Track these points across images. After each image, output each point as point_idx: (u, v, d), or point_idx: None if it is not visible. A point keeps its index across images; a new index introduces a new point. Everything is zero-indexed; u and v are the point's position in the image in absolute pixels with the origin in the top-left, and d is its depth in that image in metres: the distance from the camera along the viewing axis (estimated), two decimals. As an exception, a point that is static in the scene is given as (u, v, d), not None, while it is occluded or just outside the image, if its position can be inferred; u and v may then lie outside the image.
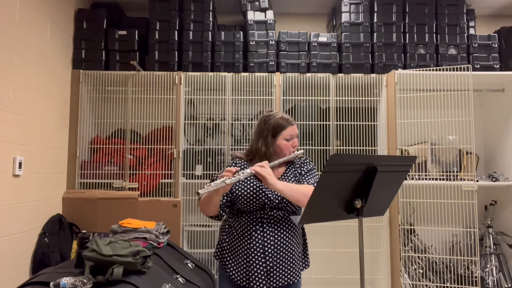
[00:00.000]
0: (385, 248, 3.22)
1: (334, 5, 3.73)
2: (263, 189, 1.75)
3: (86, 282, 1.73)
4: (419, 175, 3.29)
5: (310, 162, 1.91)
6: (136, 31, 3.35)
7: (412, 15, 3.42)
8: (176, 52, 3.33)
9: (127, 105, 3.39)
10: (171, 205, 3.07)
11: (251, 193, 1.75)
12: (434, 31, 3.40)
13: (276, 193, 1.76)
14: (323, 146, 3.32)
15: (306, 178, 1.82)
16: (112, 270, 1.80)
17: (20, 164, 2.51)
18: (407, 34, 3.40)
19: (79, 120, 3.22)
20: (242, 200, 1.75)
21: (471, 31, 3.57)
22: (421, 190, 3.32)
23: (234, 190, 1.78)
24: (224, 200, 1.79)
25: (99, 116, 3.38)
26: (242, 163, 1.88)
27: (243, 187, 1.77)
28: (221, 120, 3.50)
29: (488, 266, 3.35)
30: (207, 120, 3.60)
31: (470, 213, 3.14)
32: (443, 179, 3.25)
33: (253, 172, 1.65)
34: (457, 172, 3.31)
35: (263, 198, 1.74)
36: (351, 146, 3.33)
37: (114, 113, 3.38)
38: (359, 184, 1.57)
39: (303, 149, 3.31)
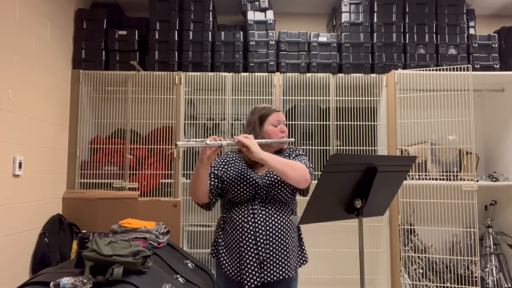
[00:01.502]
0: (385, 248, 3.22)
1: (334, 5, 3.73)
2: (253, 177, 1.77)
3: (86, 282, 1.73)
4: (419, 175, 3.29)
5: (299, 150, 1.92)
6: (136, 31, 3.35)
7: (412, 15, 3.42)
8: (176, 52, 3.33)
9: (127, 105, 3.39)
10: (171, 205, 3.07)
11: (241, 180, 1.76)
12: (434, 31, 3.40)
13: (266, 180, 1.77)
14: (323, 146, 3.32)
15: (296, 160, 1.83)
16: (112, 270, 1.80)
17: (20, 164, 2.52)
18: (407, 34, 3.40)
19: (79, 120, 3.22)
20: (233, 188, 1.76)
21: (471, 31, 3.58)
22: (421, 190, 3.32)
23: (225, 178, 1.79)
24: (213, 184, 1.78)
25: (99, 116, 3.38)
26: (234, 155, 1.91)
27: (233, 175, 1.79)
28: (221, 120, 3.49)
29: (488, 266, 3.35)
30: (207, 120, 3.60)
31: (470, 213, 3.14)
32: (443, 179, 3.24)
33: (236, 140, 1.67)
34: (457, 172, 3.31)
35: (253, 185, 1.75)
36: (351, 146, 3.33)
37: (114, 113, 3.38)
38: (359, 184, 1.58)
39: (303, 149, 3.31)
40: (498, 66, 3.38)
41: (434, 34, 3.40)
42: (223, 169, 1.82)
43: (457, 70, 3.16)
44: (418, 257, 3.33)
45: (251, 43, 3.34)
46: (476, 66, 3.35)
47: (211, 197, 1.79)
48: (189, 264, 2.58)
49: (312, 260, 3.46)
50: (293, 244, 1.79)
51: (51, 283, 1.72)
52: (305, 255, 1.87)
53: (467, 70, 3.12)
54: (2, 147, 2.37)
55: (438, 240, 3.56)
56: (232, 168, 1.82)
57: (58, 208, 3.02)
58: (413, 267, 3.29)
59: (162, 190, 3.26)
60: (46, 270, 2.00)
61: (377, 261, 3.37)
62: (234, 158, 1.88)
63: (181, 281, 2.28)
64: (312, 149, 3.33)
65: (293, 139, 1.92)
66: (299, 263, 1.82)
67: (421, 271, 3.28)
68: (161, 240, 2.56)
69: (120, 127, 3.42)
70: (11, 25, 2.46)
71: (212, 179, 1.79)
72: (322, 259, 3.42)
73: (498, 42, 3.44)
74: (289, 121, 3.34)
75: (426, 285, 3.22)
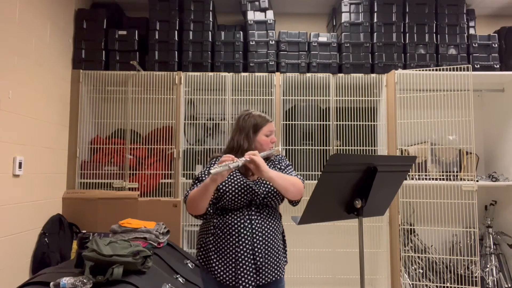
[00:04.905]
0: (385, 248, 3.22)
1: (334, 5, 3.73)
2: (250, 184, 1.78)
3: (86, 282, 1.73)
4: (419, 175, 3.29)
5: (286, 159, 1.97)
6: (136, 31, 3.36)
7: (412, 15, 3.42)
8: (176, 52, 3.33)
9: (127, 105, 3.39)
10: (171, 205, 3.07)
11: (239, 189, 1.76)
12: (434, 31, 3.40)
13: (262, 187, 1.78)
14: (323, 146, 3.32)
15: (287, 172, 1.86)
16: (112, 270, 1.80)
17: (20, 164, 2.52)
18: (407, 34, 3.40)
19: (79, 120, 3.22)
20: (230, 196, 1.76)
21: (471, 31, 3.58)
22: (421, 190, 3.32)
23: (221, 186, 1.79)
24: (212, 197, 1.79)
25: (99, 116, 3.38)
26: None
27: (230, 183, 1.79)
28: (221, 120, 3.50)
29: (488, 266, 3.35)
30: (207, 120, 3.60)
31: (470, 213, 3.14)
32: (443, 179, 3.24)
33: (248, 159, 1.68)
34: (457, 172, 3.31)
35: (250, 193, 1.76)
36: (351, 146, 3.33)
37: (114, 113, 3.38)
38: (359, 184, 1.57)
39: (303, 149, 3.31)
40: (498, 66, 3.38)
41: (434, 34, 3.40)
42: None
43: (457, 70, 3.16)
44: (418, 257, 3.33)
45: (251, 43, 3.34)
46: (476, 66, 3.35)
47: (209, 208, 1.80)
48: (189, 264, 2.58)
49: (313, 260, 3.47)
50: (281, 247, 1.84)
51: (51, 283, 1.72)
52: (286, 256, 1.91)
53: (467, 70, 3.12)
54: (2, 147, 2.37)
55: (438, 240, 3.56)
56: (235, 169, 1.81)
57: (58, 208, 3.02)
58: (413, 267, 3.29)
59: (162, 190, 3.26)
60: (46, 270, 2.00)
61: (377, 261, 3.37)
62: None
63: (181, 281, 2.28)
64: (312, 149, 3.33)
65: (280, 147, 1.94)
66: (284, 263, 1.86)
67: (421, 271, 3.28)
68: (161, 240, 2.56)
69: (120, 127, 3.42)
70: (11, 25, 2.46)
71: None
72: (322, 259, 3.42)
73: (498, 42, 3.44)
74: (289, 121, 3.34)
75: (426, 285, 3.22)
